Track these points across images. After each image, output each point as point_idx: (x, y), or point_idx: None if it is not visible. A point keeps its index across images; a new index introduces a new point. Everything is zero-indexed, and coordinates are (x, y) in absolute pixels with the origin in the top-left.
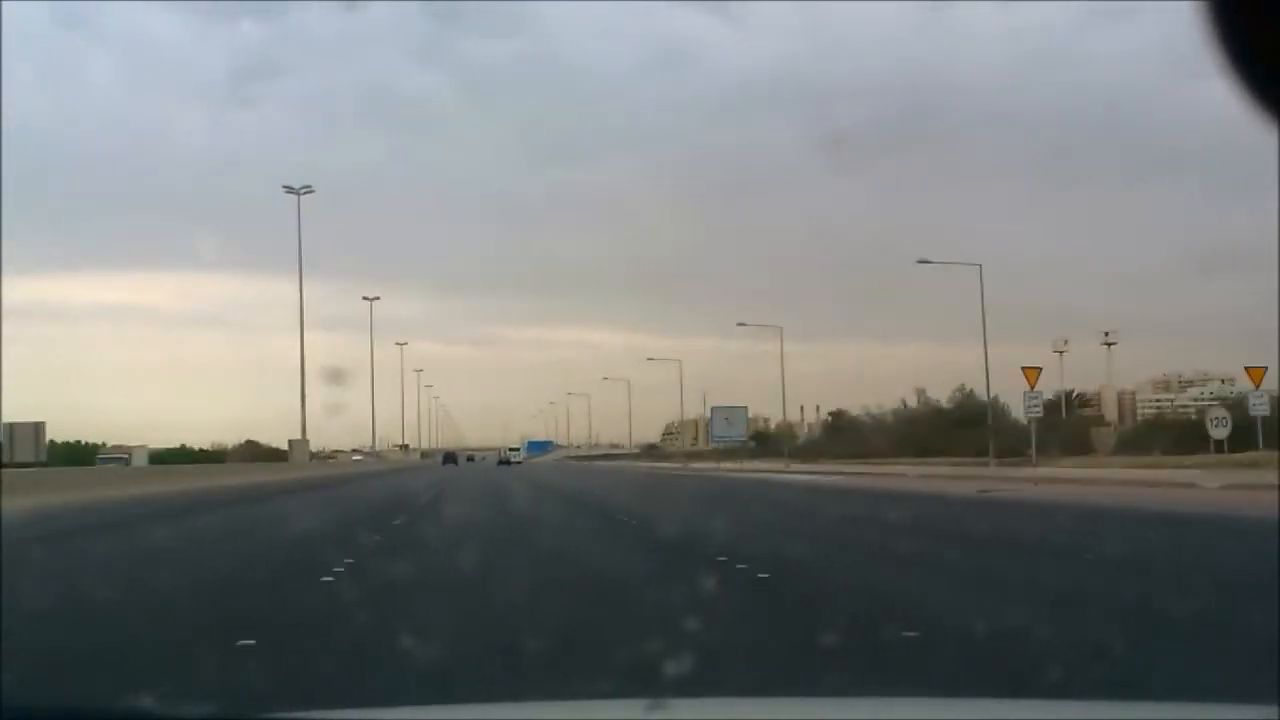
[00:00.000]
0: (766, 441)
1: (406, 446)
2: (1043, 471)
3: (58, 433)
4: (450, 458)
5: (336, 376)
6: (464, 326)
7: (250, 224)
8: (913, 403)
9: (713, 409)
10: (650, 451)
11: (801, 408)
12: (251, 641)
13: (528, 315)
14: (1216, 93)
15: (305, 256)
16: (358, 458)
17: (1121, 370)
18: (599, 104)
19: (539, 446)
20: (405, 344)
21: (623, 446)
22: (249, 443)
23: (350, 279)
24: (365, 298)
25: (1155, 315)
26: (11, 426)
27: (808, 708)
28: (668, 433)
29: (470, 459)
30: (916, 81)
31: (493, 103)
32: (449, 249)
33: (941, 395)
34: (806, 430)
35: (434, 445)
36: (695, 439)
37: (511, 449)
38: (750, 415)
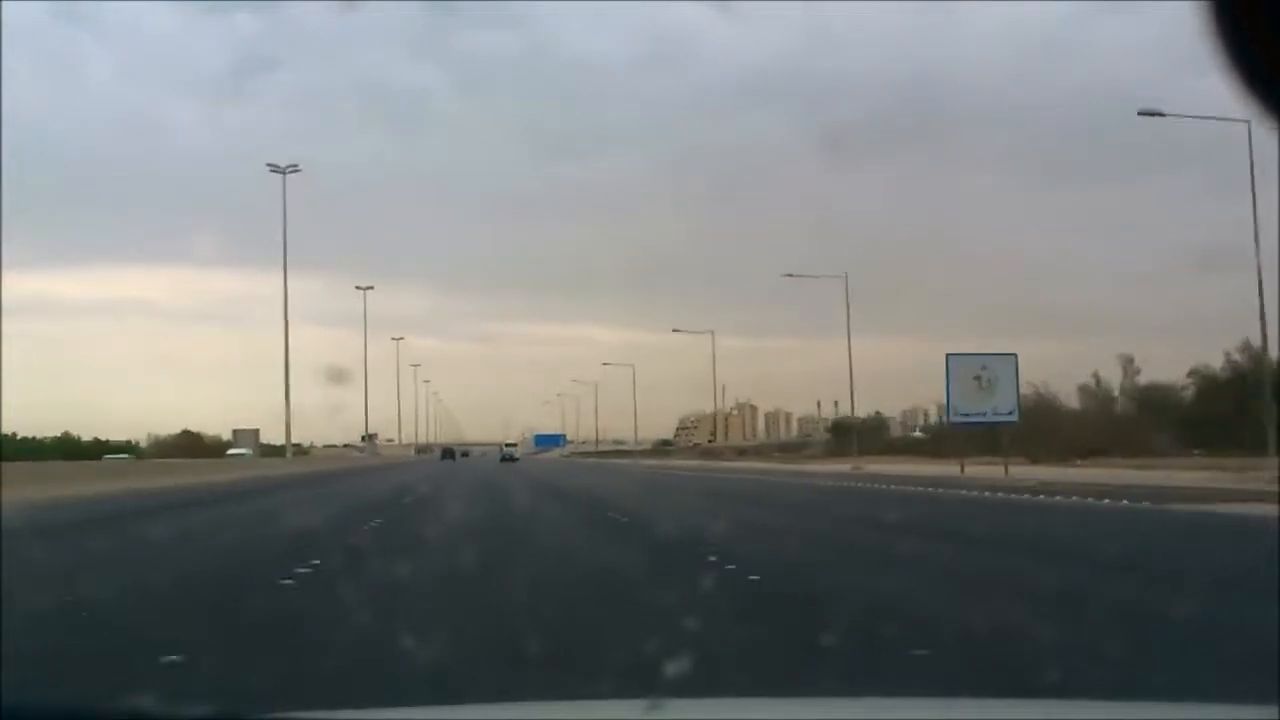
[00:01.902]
0: (847, 434)
1: (373, 437)
2: None
3: (54, 429)
4: (449, 453)
5: (336, 375)
6: (463, 323)
7: (248, 219)
8: (1111, 377)
9: (950, 358)
10: (664, 447)
11: (819, 403)
12: None
13: (528, 311)
14: (1217, 90)
15: (301, 251)
16: (236, 452)
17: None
18: (598, 98)
19: (549, 440)
20: (369, 288)
21: (626, 443)
22: (185, 433)
23: (348, 275)
24: (278, 166)
25: (1154, 313)
26: None
27: (807, 708)
28: (682, 427)
29: (465, 454)
30: (916, 77)
31: (490, 97)
32: (448, 245)
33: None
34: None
35: (424, 440)
36: (714, 434)
37: (509, 444)
38: (771, 410)
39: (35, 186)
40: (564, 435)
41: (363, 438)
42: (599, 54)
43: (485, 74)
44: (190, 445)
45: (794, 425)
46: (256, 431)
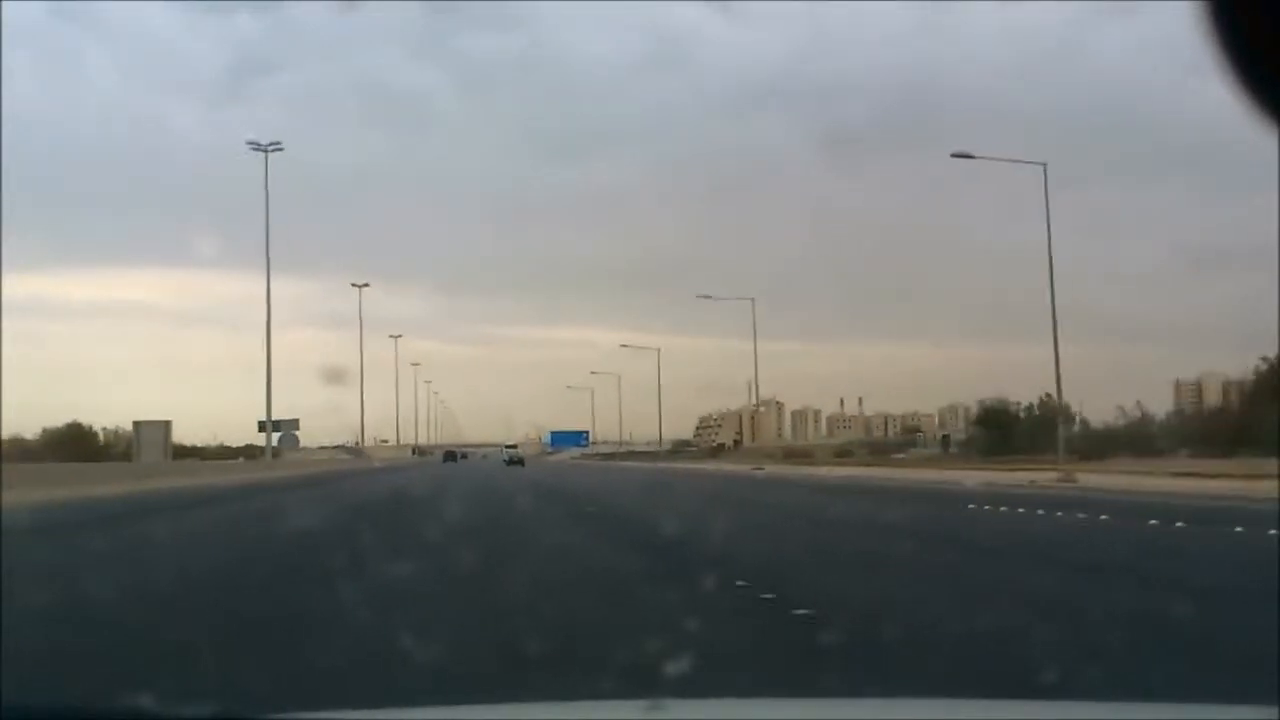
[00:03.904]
0: (1012, 427)
1: (298, 426)
2: None
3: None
4: (451, 456)
5: (332, 376)
6: (463, 325)
7: (247, 220)
8: None
9: None
10: (683, 449)
11: (842, 400)
12: None
13: (528, 313)
14: (1217, 92)
15: (301, 253)
16: None
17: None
18: (598, 100)
19: (568, 439)
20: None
21: (632, 444)
22: (72, 426)
23: (347, 277)
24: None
25: (1154, 314)
26: None
27: (807, 708)
28: (703, 426)
29: (464, 456)
30: (917, 79)
31: (491, 98)
32: (449, 247)
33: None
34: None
35: (423, 440)
36: (739, 434)
37: (509, 446)
38: (799, 408)
39: (35, 187)
40: (587, 433)
41: (261, 424)
42: (600, 55)
43: (486, 75)
44: (75, 441)
45: (823, 424)
46: (167, 424)
